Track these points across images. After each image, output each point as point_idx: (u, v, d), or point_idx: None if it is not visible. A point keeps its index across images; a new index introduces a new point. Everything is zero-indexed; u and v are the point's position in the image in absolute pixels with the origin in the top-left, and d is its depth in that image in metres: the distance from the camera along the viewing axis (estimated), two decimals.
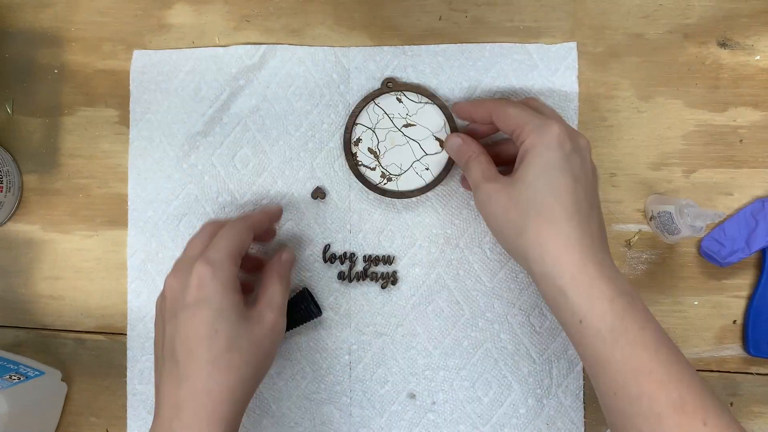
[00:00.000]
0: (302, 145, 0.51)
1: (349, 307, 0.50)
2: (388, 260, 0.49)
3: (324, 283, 0.50)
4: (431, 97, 0.49)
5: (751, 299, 0.47)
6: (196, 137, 0.52)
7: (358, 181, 0.49)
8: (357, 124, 0.49)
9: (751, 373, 0.48)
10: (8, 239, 0.54)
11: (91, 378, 0.53)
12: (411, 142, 0.49)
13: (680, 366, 0.35)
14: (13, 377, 0.48)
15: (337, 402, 0.50)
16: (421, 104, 0.49)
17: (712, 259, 0.47)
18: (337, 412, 0.50)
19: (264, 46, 0.51)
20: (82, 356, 0.53)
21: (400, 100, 0.49)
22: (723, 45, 0.49)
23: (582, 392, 0.48)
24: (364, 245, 0.50)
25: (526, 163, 0.39)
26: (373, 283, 0.50)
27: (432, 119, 0.49)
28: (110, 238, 0.53)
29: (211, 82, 0.52)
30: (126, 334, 0.52)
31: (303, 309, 0.48)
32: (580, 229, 0.37)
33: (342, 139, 0.50)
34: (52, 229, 0.54)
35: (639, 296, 0.37)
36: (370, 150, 0.49)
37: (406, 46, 0.51)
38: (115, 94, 0.53)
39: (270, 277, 0.44)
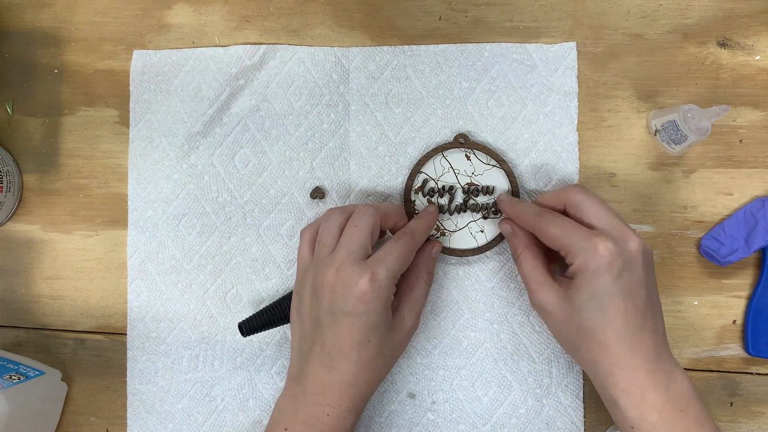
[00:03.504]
0: (302, 144, 0.51)
1: None
2: (487, 191, 0.48)
3: None
4: (500, 161, 0.48)
5: (751, 299, 0.47)
6: (196, 137, 0.52)
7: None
8: (421, 172, 0.49)
9: (751, 373, 0.48)
10: (8, 239, 0.54)
11: (91, 378, 0.53)
12: (471, 201, 0.49)
13: None
14: (13, 377, 0.48)
15: None
16: (489, 166, 0.49)
17: (712, 258, 0.47)
18: None
19: (264, 46, 0.52)
20: (82, 356, 0.53)
21: (468, 158, 0.49)
22: (723, 45, 0.49)
23: (582, 392, 0.48)
24: None
25: (575, 287, 0.39)
26: (474, 214, 0.49)
27: (497, 183, 0.49)
28: (110, 238, 0.53)
29: (211, 82, 0.52)
30: (126, 334, 0.52)
31: None
32: (631, 346, 0.38)
33: (404, 185, 0.49)
34: (52, 229, 0.54)
35: (696, 399, 0.38)
36: (429, 201, 0.49)
37: (406, 46, 0.51)
38: (115, 94, 0.53)
39: (416, 278, 0.45)
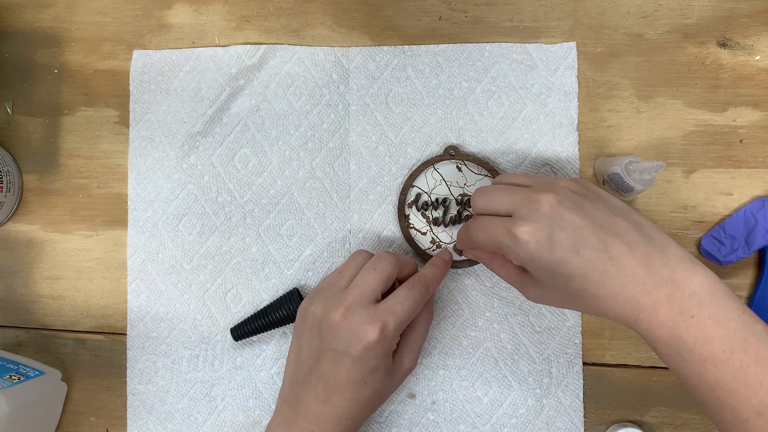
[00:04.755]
0: (302, 144, 0.51)
1: None
2: None
3: None
4: (492, 171, 0.48)
5: (751, 299, 0.47)
6: (196, 137, 0.52)
7: (405, 238, 0.49)
8: (413, 186, 0.49)
9: None
10: (8, 239, 0.54)
11: (91, 378, 0.53)
12: (465, 213, 0.49)
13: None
14: (13, 377, 0.48)
15: None
16: (481, 176, 0.49)
17: (712, 258, 0.47)
18: None
19: (264, 46, 0.52)
20: (82, 356, 0.53)
21: (460, 169, 0.49)
22: (723, 45, 0.49)
23: (581, 391, 0.48)
24: (364, 244, 0.50)
25: (535, 277, 0.39)
26: None
27: None
28: (110, 238, 0.53)
29: (211, 82, 0.52)
30: (126, 334, 0.52)
31: (290, 309, 0.48)
32: (616, 284, 0.35)
33: (397, 199, 0.49)
34: (52, 229, 0.54)
35: (711, 295, 0.34)
36: (423, 215, 0.49)
37: (406, 46, 0.51)
38: (115, 94, 0.53)
39: (418, 319, 0.45)
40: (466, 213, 0.49)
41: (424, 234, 0.49)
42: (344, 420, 0.42)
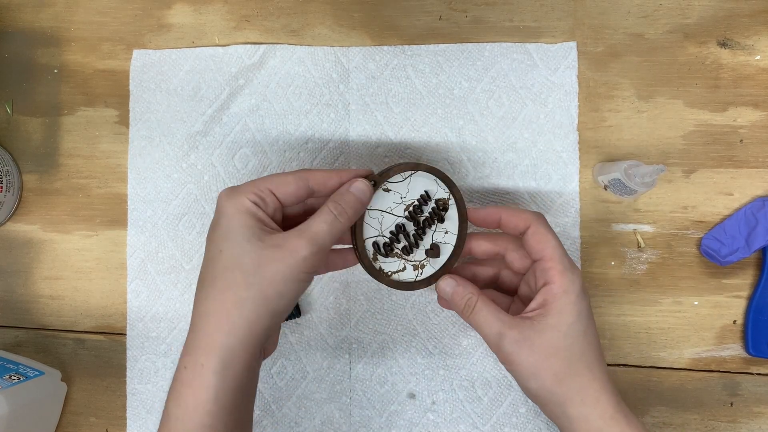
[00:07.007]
0: (302, 144, 0.51)
1: (349, 306, 0.50)
2: (425, 199, 0.43)
3: (323, 283, 0.50)
4: (412, 167, 0.43)
5: (751, 299, 0.47)
6: (196, 137, 0.52)
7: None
8: (366, 240, 0.43)
9: (751, 373, 0.48)
10: (8, 239, 0.54)
11: (91, 378, 0.53)
12: (423, 220, 0.43)
13: None
14: (13, 377, 0.48)
15: (337, 402, 0.50)
16: (407, 179, 0.43)
17: (713, 258, 0.47)
18: (337, 412, 0.50)
19: (263, 46, 0.51)
20: (82, 356, 0.53)
21: (387, 190, 0.43)
22: (723, 45, 0.49)
23: None
24: None
25: (559, 311, 0.39)
26: (432, 226, 0.43)
27: (425, 186, 0.43)
28: (110, 238, 0.53)
29: (211, 81, 0.52)
30: (126, 334, 0.52)
31: None
32: (605, 371, 0.40)
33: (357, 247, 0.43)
34: (52, 229, 0.54)
35: None
36: (392, 255, 0.43)
37: (406, 46, 0.51)
38: (115, 94, 0.53)
39: (322, 206, 0.39)
40: (422, 217, 0.44)
41: (404, 270, 0.44)
42: (206, 319, 0.34)
